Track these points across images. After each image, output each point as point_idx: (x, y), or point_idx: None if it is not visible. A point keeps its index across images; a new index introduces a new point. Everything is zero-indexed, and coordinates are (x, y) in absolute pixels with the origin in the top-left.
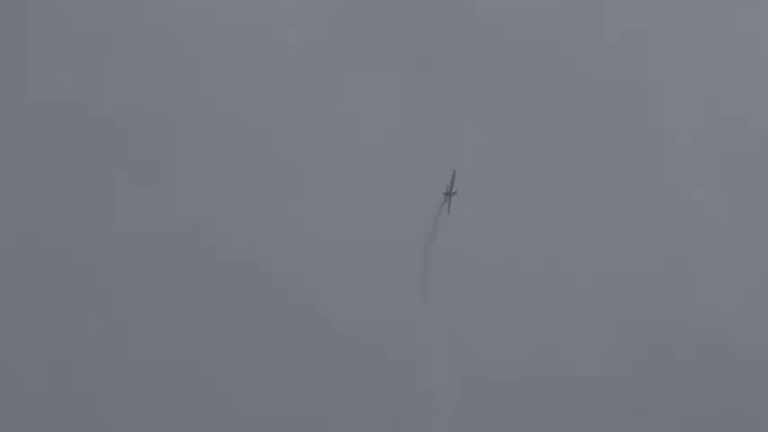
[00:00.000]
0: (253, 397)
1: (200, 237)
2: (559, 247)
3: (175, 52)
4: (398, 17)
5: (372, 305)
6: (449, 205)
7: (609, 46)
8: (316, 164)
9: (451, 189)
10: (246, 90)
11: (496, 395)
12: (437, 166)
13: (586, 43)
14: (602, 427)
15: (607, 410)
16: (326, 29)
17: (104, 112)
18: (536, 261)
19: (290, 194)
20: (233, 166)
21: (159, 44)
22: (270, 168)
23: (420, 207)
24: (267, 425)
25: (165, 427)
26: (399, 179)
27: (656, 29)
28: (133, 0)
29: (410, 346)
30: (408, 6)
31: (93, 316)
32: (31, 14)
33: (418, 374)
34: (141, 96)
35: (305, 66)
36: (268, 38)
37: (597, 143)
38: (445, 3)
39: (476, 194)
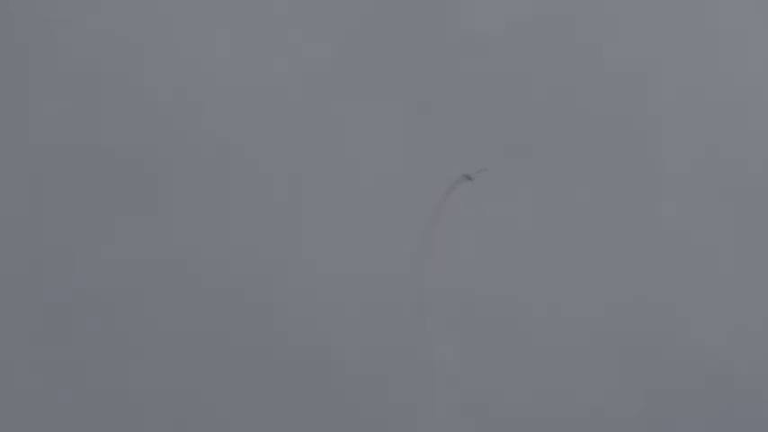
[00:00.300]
0: (247, 428)
1: (194, 268)
2: (558, 278)
3: (176, 84)
4: (399, 49)
5: (370, 335)
6: (461, 183)
7: (609, 75)
8: (314, 199)
9: (471, 176)
10: (247, 124)
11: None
12: (435, 198)
13: (586, 74)
14: None
15: None
16: (327, 64)
17: (103, 142)
18: (534, 293)
19: (289, 227)
20: (231, 200)
21: (158, 76)
22: (268, 205)
23: (419, 240)
24: None
25: None
26: (398, 211)
27: (656, 59)
28: (134, 30)
29: (408, 378)
30: (408, 39)
31: (89, 345)
32: (30, 47)
33: (418, 410)
34: (141, 130)
35: (305, 102)
36: (269, 75)
37: (597, 174)
38: (444, 36)
39: (475, 225)
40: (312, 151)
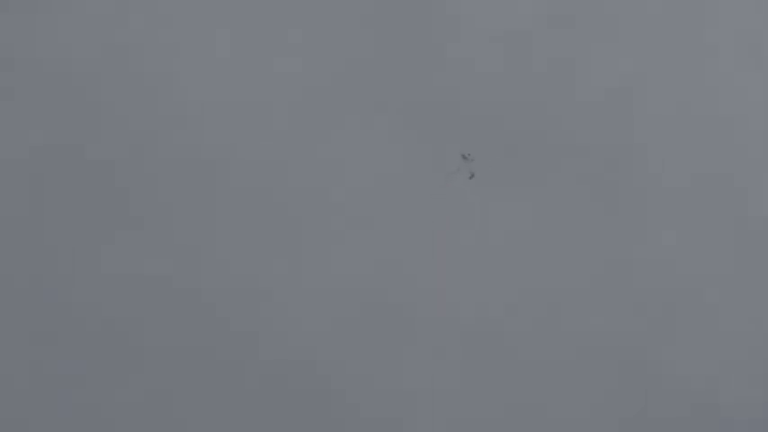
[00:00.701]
0: None
1: (188, 284)
2: (547, 305)
3: (171, 103)
4: (397, 75)
5: (369, 360)
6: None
7: (594, 104)
8: (305, 212)
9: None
10: (244, 143)
11: None
12: (425, 223)
13: (572, 100)
14: None
15: None
16: (326, 87)
17: (97, 156)
18: (523, 320)
19: (284, 245)
20: (218, 212)
21: (155, 94)
22: (262, 220)
23: (412, 266)
24: None
25: None
26: (392, 237)
27: (641, 84)
28: (128, 50)
29: (411, 405)
30: (405, 63)
31: (78, 365)
32: (26, 68)
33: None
34: (135, 141)
35: (303, 123)
36: (267, 93)
37: (583, 201)
38: (438, 61)
39: (462, 251)
40: (304, 165)
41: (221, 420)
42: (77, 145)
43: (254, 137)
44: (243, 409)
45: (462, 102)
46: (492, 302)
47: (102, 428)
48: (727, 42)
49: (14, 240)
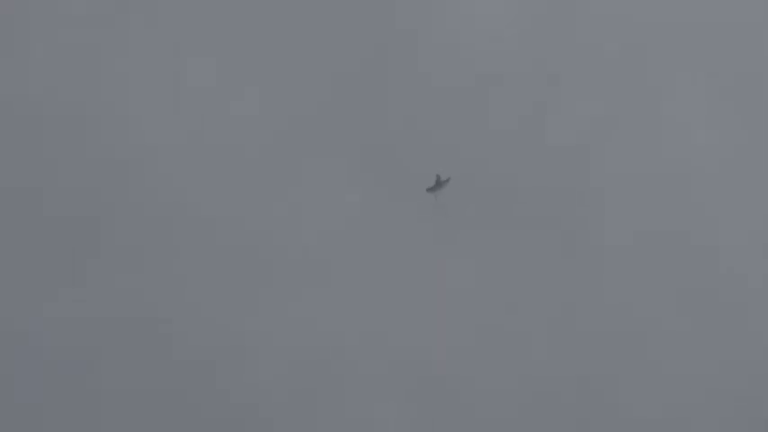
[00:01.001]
0: None
1: (144, 325)
2: (493, 345)
3: (128, 148)
4: (357, 120)
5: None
6: (437, 191)
7: (552, 148)
8: (266, 265)
9: (440, 183)
10: (201, 188)
11: None
12: (385, 269)
13: (529, 146)
14: None
15: None
16: (285, 131)
17: (55, 204)
18: (469, 359)
19: (245, 292)
20: (178, 255)
21: (115, 133)
22: (215, 262)
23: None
24: None
25: None
26: (353, 284)
27: (599, 130)
28: (85, 94)
29: None
30: (362, 110)
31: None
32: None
33: None
34: (92, 186)
35: (261, 169)
36: (224, 138)
37: (540, 245)
38: (399, 106)
39: (421, 295)
40: (263, 210)
41: None
42: (37, 188)
43: (211, 183)
44: None
45: (423, 149)
46: (451, 345)
47: None
48: (686, 101)
49: None
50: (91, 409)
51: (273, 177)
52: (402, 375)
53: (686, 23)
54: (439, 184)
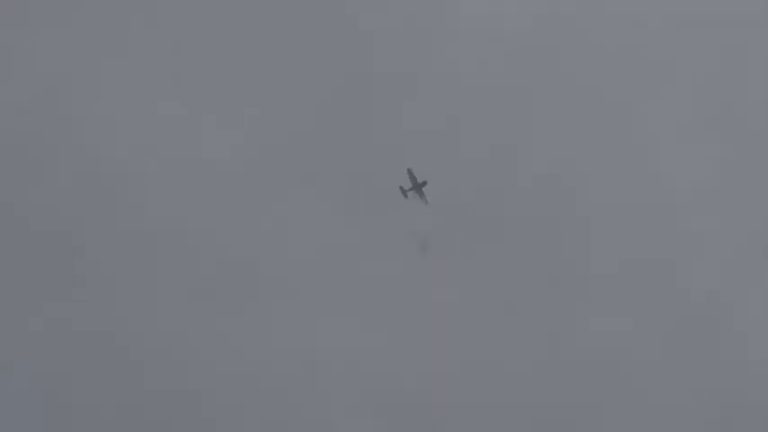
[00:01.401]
0: None
1: (121, 348)
2: (489, 375)
3: (110, 174)
4: (340, 151)
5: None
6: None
7: (536, 177)
8: (246, 288)
9: (415, 185)
10: (185, 213)
11: None
12: (364, 295)
13: (512, 175)
14: None
15: None
16: (267, 160)
17: (40, 222)
18: (462, 390)
19: (220, 312)
20: (159, 278)
21: (93, 164)
22: (194, 285)
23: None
24: None
25: None
26: (329, 308)
27: (581, 160)
28: (68, 120)
29: None
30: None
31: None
32: None
33: None
34: (78, 208)
35: (242, 195)
36: (208, 164)
37: (526, 274)
38: (381, 140)
39: (401, 322)
40: (242, 236)
41: None
42: (21, 215)
43: (195, 208)
44: None
45: (405, 177)
46: (433, 371)
47: None
48: (666, 128)
49: None
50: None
51: (256, 200)
52: (380, 397)
53: (665, 53)
54: (416, 186)
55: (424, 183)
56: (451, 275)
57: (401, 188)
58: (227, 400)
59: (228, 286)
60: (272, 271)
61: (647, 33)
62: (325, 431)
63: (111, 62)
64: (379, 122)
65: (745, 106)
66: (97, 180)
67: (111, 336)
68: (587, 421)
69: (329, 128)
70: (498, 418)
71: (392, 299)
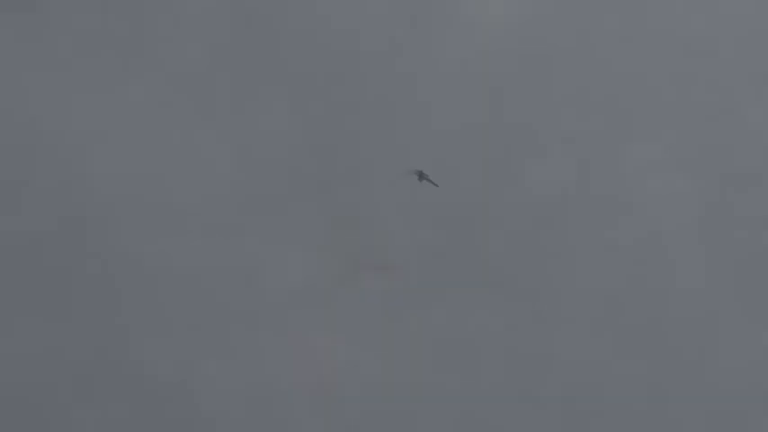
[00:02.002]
0: None
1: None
2: (474, 419)
3: (81, 196)
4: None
5: None
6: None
7: (521, 217)
8: (222, 320)
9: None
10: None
11: None
12: (349, 326)
13: (499, 212)
14: None
15: None
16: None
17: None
18: (446, 421)
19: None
20: (126, 306)
21: (76, 184)
22: (166, 317)
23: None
24: None
25: None
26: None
27: (569, 194)
28: (52, 150)
29: None
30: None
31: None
32: None
33: None
34: (58, 237)
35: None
36: (186, 195)
37: (508, 305)
38: (360, 174)
39: (383, 354)
40: (220, 268)
41: None
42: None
43: (175, 239)
44: None
45: (389, 215)
46: (417, 409)
47: None
48: (652, 167)
49: None
50: None
51: (237, 233)
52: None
53: (648, 93)
54: (422, 176)
55: (423, 175)
56: (438, 315)
57: (419, 172)
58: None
59: (208, 316)
60: (252, 302)
61: (630, 69)
62: None
63: (102, 86)
64: (366, 160)
65: (727, 140)
66: (72, 202)
67: (83, 365)
68: None
69: (314, 160)
70: None
71: (370, 332)
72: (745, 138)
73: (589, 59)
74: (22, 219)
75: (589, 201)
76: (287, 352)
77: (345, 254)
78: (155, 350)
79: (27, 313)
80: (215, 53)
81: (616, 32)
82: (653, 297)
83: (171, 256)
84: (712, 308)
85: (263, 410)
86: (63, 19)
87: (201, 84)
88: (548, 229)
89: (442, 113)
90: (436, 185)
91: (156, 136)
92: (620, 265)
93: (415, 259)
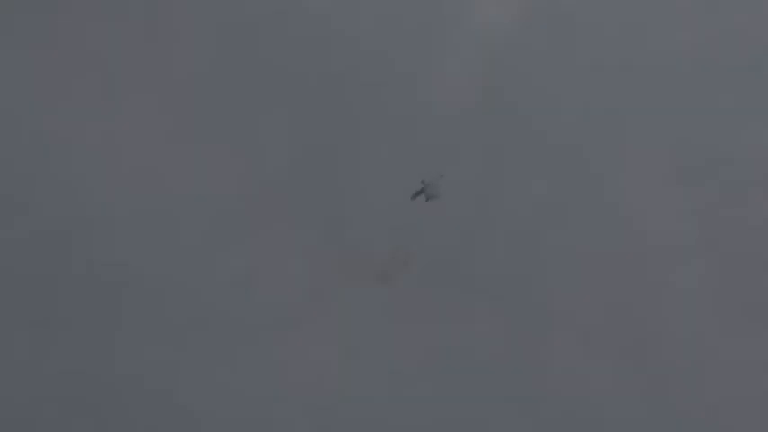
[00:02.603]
0: None
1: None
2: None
3: (75, 210)
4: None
5: None
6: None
7: (513, 233)
8: (214, 332)
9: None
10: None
11: None
12: (340, 346)
13: (492, 230)
14: None
15: None
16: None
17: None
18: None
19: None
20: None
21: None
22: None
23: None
24: None
25: None
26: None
27: (558, 215)
28: (43, 169)
29: None
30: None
31: None
32: None
33: None
34: (48, 251)
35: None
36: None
37: (497, 330)
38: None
39: (375, 374)
40: (212, 279)
41: None
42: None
43: (161, 252)
44: None
45: (379, 230)
46: (410, 425)
47: None
48: (637, 181)
49: None
50: None
51: (236, 241)
52: None
53: (639, 104)
54: (429, 187)
55: (426, 190)
56: (431, 333)
57: (424, 186)
58: None
59: (195, 331)
60: (240, 313)
61: (623, 83)
62: None
63: (87, 111)
64: (360, 171)
65: (723, 156)
66: (55, 223)
67: (74, 380)
68: None
69: (306, 173)
70: None
71: (361, 348)
72: (743, 148)
73: (588, 67)
74: (23, 221)
75: (588, 210)
76: (285, 361)
77: (343, 262)
78: (149, 360)
79: (21, 323)
80: (211, 60)
81: (614, 39)
82: (651, 308)
83: (167, 264)
84: (711, 319)
85: (261, 420)
86: (59, 30)
87: (200, 91)
88: (545, 238)
89: (441, 120)
90: (433, 196)
91: (152, 143)
92: (619, 277)
93: (415, 267)
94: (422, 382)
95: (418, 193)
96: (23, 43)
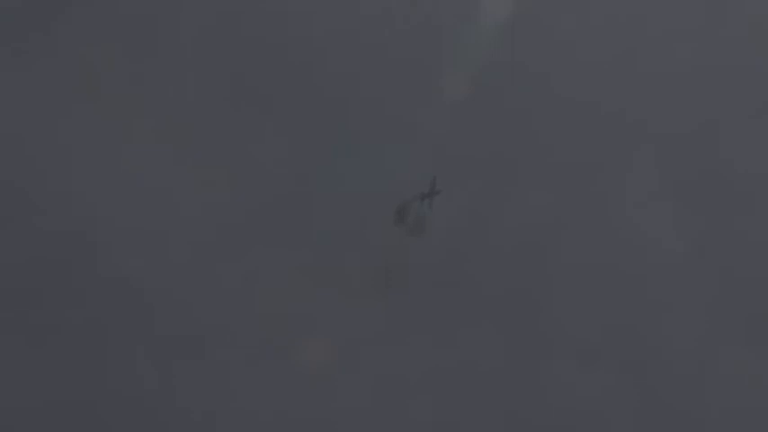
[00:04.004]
0: None
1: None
2: None
3: (72, 225)
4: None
5: None
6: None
7: (508, 252)
8: (213, 347)
9: (431, 191)
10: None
11: None
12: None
13: (484, 245)
14: None
15: None
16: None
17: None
18: None
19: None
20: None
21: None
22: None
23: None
24: None
25: None
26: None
27: (556, 230)
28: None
29: None
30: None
31: None
32: None
33: None
34: (49, 263)
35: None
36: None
37: (497, 346)
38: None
39: (375, 388)
40: (211, 296)
41: None
42: None
43: (155, 269)
44: None
45: (374, 248)
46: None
47: None
48: (644, 198)
49: None
50: None
51: (224, 264)
52: None
53: (640, 116)
54: (428, 195)
55: (435, 193)
56: (428, 347)
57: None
58: None
59: (188, 348)
60: (234, 332)
61: (619, 95)
62: None
63: (85, 122)
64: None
65: (718, 170)
66: (54, 234)
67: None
68: None
69: (301, 192)
70: None
71: (357, 365)
72: (739, 164)
73: (582, 85)
74: (22, 234)
75: (585, 229)
76: (285, 378)
77: (341, 276)
78: (143, 375)
79: (18, 336)
80: (201, 75)
81: (611, 50)
82: (651, 324)
83: (161, 279)
84: (711, 339)
85: None
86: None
87: (200, 106)
88: (542, 256)
89: (437, 136)
90: (429, 213)
91: (147, 157)
92: (619, 293)
93: (411, 285)
94: (420, 396)
95: (400, 216)
96: (23, 64)
